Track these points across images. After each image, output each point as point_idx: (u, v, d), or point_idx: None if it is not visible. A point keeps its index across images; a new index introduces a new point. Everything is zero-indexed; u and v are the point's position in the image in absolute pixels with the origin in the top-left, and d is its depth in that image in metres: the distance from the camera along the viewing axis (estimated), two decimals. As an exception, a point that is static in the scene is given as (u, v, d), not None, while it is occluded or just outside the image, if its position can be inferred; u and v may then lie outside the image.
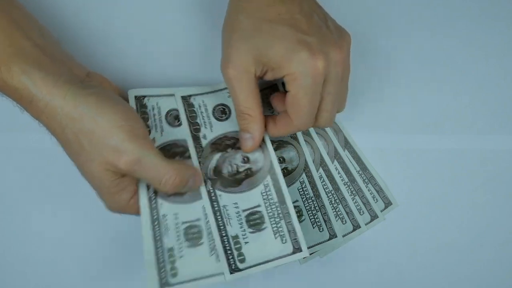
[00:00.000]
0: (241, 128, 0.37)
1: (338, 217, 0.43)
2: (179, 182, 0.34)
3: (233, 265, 0.35)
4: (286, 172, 0.41)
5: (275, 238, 0.36)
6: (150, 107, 0.39)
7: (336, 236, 0.42)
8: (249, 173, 0.38)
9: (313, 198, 0.43)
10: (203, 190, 0.37)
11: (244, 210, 0.37)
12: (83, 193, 0.40)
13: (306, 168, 0.43)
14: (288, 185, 0.41)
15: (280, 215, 0.37)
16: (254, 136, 0.37)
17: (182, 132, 0.39)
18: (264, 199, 0.38)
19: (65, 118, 0.31)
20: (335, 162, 0.44)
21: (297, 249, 0.36)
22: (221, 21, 0.36)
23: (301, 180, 0.43)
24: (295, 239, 0.36)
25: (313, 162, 0.43)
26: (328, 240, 0.42)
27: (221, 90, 0.42)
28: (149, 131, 0.38)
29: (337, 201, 0.43)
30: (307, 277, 0.43)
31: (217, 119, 0.40)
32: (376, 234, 0.44)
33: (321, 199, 0.43)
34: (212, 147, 0.39)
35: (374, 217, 0.44)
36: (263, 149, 0.39)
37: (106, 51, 0.42)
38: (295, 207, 0.39)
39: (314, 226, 0.43)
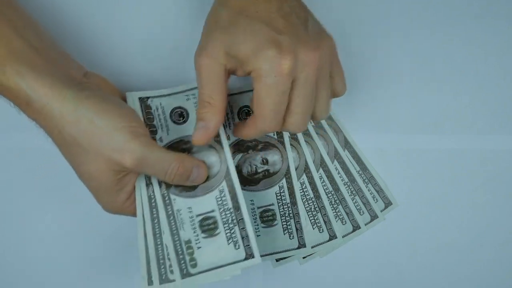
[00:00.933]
0: (198, 117, 0.35)
1: (338, 218, 0.43)
2: (183, 171, 0.34)
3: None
4: (267, 175, 0.42)
5: (284, 234, 0.41)
6: (154, 108, 0.40)
7: (336, 237, 0.42)
8: (267, 174, 0.41)
9: (313, 199, 0.43)
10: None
11: (258, 207, 0.41)
12: (84, 192, 0.40)
13: (307, 169, 0.43)
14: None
15: (290, 215, 0.41)
16: (208, 126, 0.35)
17: (188, 128, 0.40)
18: (277, 199, 0.41)
19: (62, 120, 0.31)
20: (335, 162, 0.44)
21: (302, 245, 0.40)
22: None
23: (301, 181, 0.43)
24: (301, 236, 0.40)
25: (313, 162, 0.43)
26: (328, 241, 0.43)
27: (245, 91, 0.43)
28: (156, 131, 0.39)
29: (337, 201, 0.43)
30: (307, 277, 0.43)
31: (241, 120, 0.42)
32: (376, 234, 0.44)
33: (321, 200, 0.43)
34: (234, 148, 0.42)
35: (374, 217, 0.44)
36: (282, 153, 0.42)
37: (106, 50, 0.42)
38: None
39: (314, 227, 0.43)
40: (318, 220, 0.43)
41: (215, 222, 0.37)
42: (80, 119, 0.31)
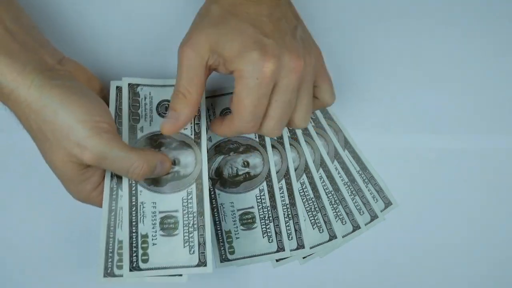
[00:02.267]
0: (170, 107, 0.35)
1: (338, 218, 0.43)
2: (148, 169, 0.34)
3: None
4: (248, 177, 0.42)
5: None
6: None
7: (336, 237, 0.42)
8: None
9: (313, 199, 0.43)
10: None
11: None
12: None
13: (307, 169, 0.43)
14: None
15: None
16: (179, 117, 0.34)
17: None
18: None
19: (28, 108, 0.31)
20: (335, 162, 0.44)
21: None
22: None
23: (301, 181, 0.43)
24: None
25: (313, 162, 0.43)
26: (328, 241, 0.43)
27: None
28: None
29: (337, 201, 0.43)
30: (307, 277, 0.43)
31: None
32: (376, 234, 0.44)
33: (321, 200, 0.43)
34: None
35: (374, 217, 0.44)
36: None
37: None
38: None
39: (314, 227, 0.43)
40: (318, 220, 0.43)
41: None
42: (43, 108, 0.31)
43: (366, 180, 0.44)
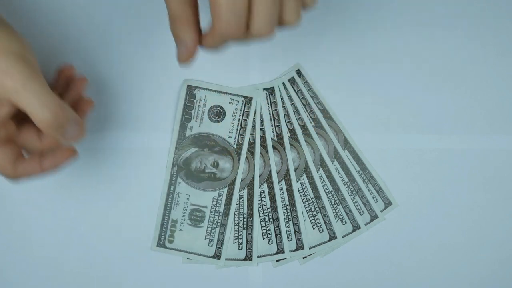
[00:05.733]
0: (173, 36, 0.32)
1: (338, 218, 0.43)
2: (62, 114, 0.31)
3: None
4: (212, 178, 0.43)
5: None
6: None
7: (336, 237, 0.42)
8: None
9: (313, 199, 0.43)
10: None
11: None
12: (87, 190, 0.40)
13: (307, 169, 0.43)
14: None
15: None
16: (186, 42, 0.31)
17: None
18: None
19: None
20: (335, 162, 0.44)
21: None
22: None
23: (301, 181, 0.43)
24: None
25: (313, 162, 0.43)
26: (328, 241, 0.43)
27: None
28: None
29: (337, 201, 0.43)
30: (307, 277, 0.43)
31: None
32: (376, 234, 0.44)
33: (321, 200, 0.43)
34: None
35: (374, 217, 0.44)
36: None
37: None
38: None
39: (314, 227, 0.43)
40: (318, 220, 0.43)
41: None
42: None
43: (366, 180, 0.44)
